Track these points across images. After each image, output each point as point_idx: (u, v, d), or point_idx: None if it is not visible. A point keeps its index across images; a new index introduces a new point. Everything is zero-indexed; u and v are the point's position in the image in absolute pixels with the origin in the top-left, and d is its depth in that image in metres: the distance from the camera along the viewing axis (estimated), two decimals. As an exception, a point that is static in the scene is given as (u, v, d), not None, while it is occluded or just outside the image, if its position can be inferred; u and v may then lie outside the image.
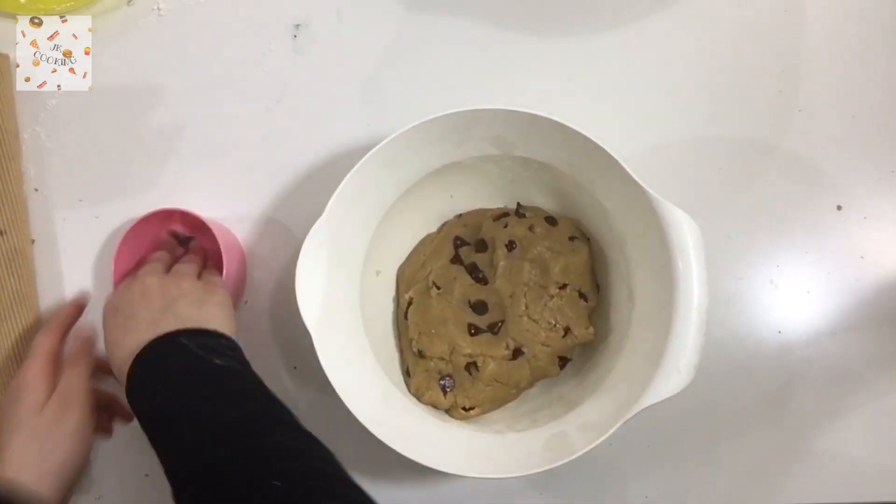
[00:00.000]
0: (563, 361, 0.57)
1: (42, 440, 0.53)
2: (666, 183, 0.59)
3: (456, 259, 0.59)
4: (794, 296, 0.60)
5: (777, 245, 0.61)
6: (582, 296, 0.56)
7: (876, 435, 0.59)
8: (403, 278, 0.60)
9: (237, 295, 0.62)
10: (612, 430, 0.46)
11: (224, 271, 0.57)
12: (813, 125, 0.62)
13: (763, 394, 0.60)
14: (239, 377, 0.49)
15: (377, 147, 0.49)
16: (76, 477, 0.54)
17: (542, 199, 0.60)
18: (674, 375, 0.45)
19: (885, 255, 0.60)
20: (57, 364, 0.57)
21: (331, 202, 0.49)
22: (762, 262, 0.61)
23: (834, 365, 0.60)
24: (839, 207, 0.61)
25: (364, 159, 0.49)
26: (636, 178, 0.47)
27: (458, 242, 0.59)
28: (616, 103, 0.63)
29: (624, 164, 0.47)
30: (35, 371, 0.55)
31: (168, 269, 0.57)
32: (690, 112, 0.63)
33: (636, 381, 0.48)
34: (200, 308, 0.52)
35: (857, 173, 0.61)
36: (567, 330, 0.55)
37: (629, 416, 0.46)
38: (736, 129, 0.62)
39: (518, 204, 0.59)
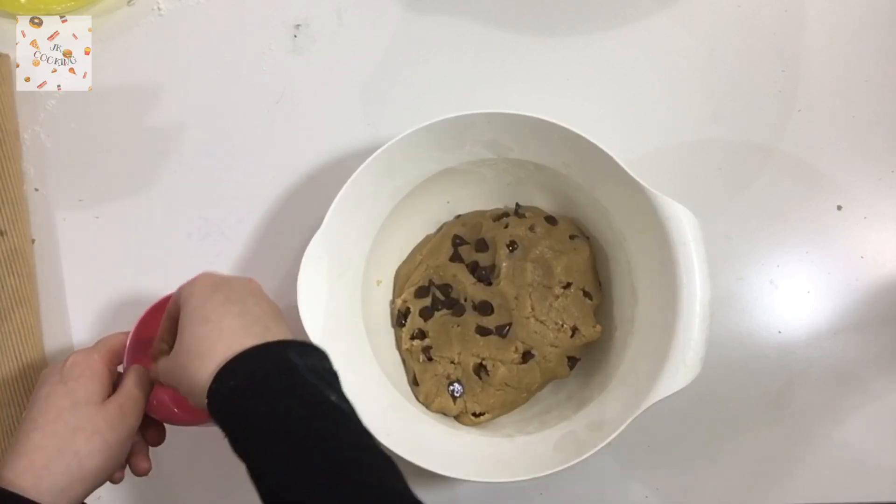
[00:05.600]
0: (573, 361, 0.57)
1: (92, 434, 0.45)
2: (666, 183, 0.59)
3: (455, 257, 0.58)
4: (794, 296, 0.60)
5: (777, 245, 0.61)
6: (586, 294, 0.56)
7: (876, 435, 0.59)
8: (399, 278, 0.60)
9: None
10: (622, 427, 0.46)
11: None
12: (813, 125, 0.62)
13: (763, 394, 0.60)
14: (353, 428, 0.41)
15: (371, 157, 0.49)
16: (98, 487, 0.47)
17: (539, 200, 0.60)
18: (681, 369, 0.45)
19: (885, 255, 0.60)
20: (116, 365, 0.51)
21: (328, 215, 0.49)
22: (762, 262, 0.61)
23: (834, 365, 0.60)
24: (839, 207, 0.61)
25: (359, 170, 0.49)
26: (632, 174, 0.47)
27: (458, 241, 0.59)
28: (616, 103, 0.63)
29: (619, 161, 0.47)
30: (102, 358, 0.49)
31: None
32: (690, 112, 0.63)
33: (643, 376, 0.48)
34: (286, 327, 0.46)
35: (857, 173, 0.61)
36: (575, 329, 0.55)
37: (639, 411, 0.46)
38: (736, 129, 0.62)
39: (517, 204, 0.59)
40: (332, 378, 0.43)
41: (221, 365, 0.41)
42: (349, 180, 0.49)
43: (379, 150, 0.49)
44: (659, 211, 0.47)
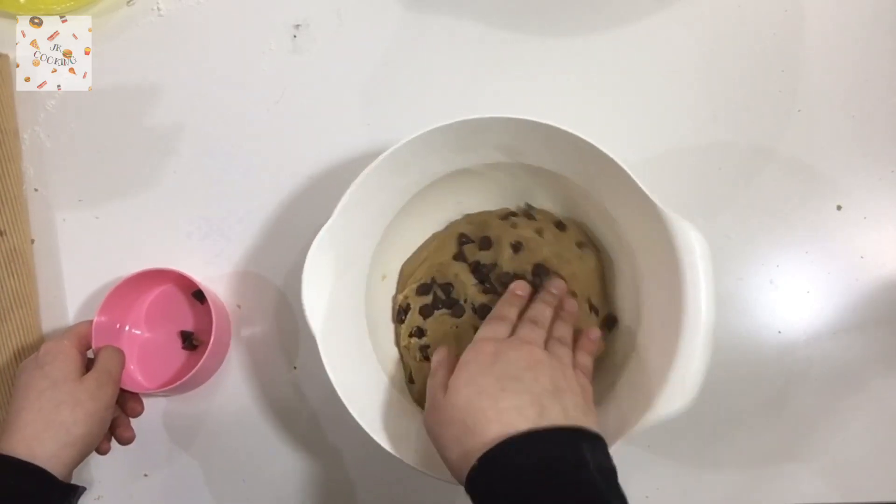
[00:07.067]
0: None
1: (74, 406, 0.51)
2: (666, 183, 0.59)
3: (459, 256, 0.58)
4: (794, 296, 0.60)
5: (777, 245, 0.61)
6: (592, 307, 0.55)
7: (876, 435, 0.59)
8: (403, 274, 0.60)
9: (217, 367, 0.63)
10: (612, 446, 0.45)
11: (209, 349, 0.58)
12: (812, 125, 0.62)
13: (763, 394, 0.60)
14: None
15: (385, 153, 0.49)
16: (85, 457, 0.53)
17: (550, 207, 0.59)
18: (678, 394, 0.44)
19: (885, 255, 0.60)
20: (86, 350, 0.57)
21: (338, 208, 0.49)
22: (762, 262, 0.61)
23: (834, 365, 0.60)
24: (839, 207, 0.61)
25: (372, 165, 0.49)
26: (647, 192, 0.46)
27: (463, 240, 0.58)
28: (615, 103, 0.63)
29: (635, 178, 0.46)
30: (72, 342, 0.55)
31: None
32: (690, 112, 0.63)
33: (639, 397, 0.47)
34: (585, 416, 0.44)
35: (857, 173, 0.61)
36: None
37: (630, 431, 0.45)
38: (736, 129, 0.62)
39: (527, 204, 0.59)
40: (613, 479, 0.41)
41: (497, 442, 0.40)
42: (361, 174, 0.49)
43: (393, 147, 0.49)
44: (670, 231, 0.46)
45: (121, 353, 0.57)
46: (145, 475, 0.62)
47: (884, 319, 0.60)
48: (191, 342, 0.62)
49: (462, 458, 0.41)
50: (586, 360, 0.51)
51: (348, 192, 0.49)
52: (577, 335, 0.53)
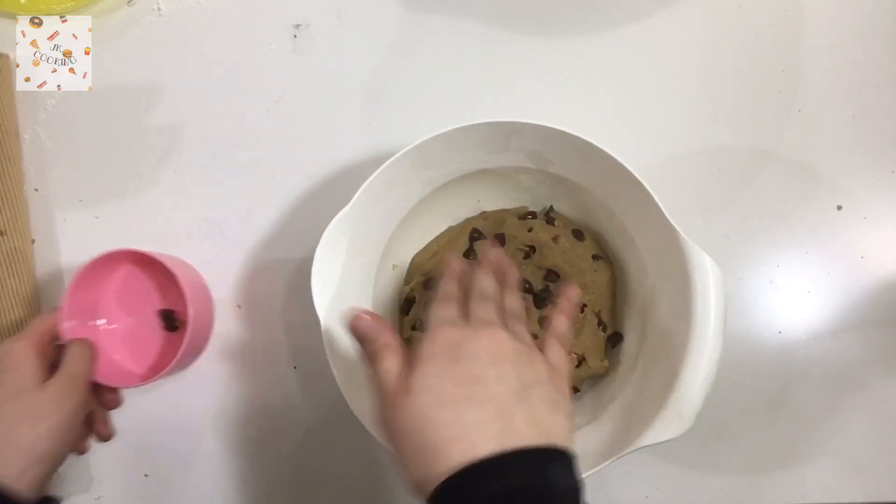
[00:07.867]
0: (571, 391, 0.56)
1: (35, 421, 0.47)
2: (665, 183, 0.59)
3: (469, 253, 0.57)
4: (794, 296, 0.60)
5: (777, 245, 0.61)
6: (600, 323, 0.55)
7: (876, 435, 0.59)
8: (414, 265, 0.59)
9: (205, 341, 0.61)
10: (604, 465, 0.45)
11: (189, 327, 0.55)
12: (812, 125, 0.62)
13: (763, 394, 0.60)
14: None
15: (414, 144, 0.48)
16: (56, 469, 0.49)
17: (571, 216, 0.59)
18: (675, 420, 0.45)
19: (885, 255, 0.60)
20: (51, 346, 0.53)
21: (358, 193, 0.49)
22: (762, 262, 0.61)
23: (834, 365, 0.60)
24: (839, 207, 0.61)
25: (399, 154, 0.49)
26: (671, 220, 0.46)
27: (475, 235, 0.58)
28: (613, 103, 0.63)
29: (661, 205, 0.47)
30: (26, 345, 0.50)
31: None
32: (690, 112, 0.63)
33: (636, 418, 0.47)
34: (554, 414, 0.39)
35: (857, 173, 0.61)
36: (582, 360, 0.54)
37: (623, 453, 0.45)
38: (735, 129, 0.62)
39: (550, 207, 0.58)
40: (578, 499, 0.37)
41: (459, 469, 0.36)
42: (386, 163, 0.49)
43: (421, 140, 0.48)
44: (687, 259, 0.46)
45: (90, 350, 0.53)
46: (146, 475, 0.62)
47: (884, 319, 0.60)
48: (172, 321, 0.60)
49: (423, 479, 0.37)
50: (563, 325, 0.45)
51: (372, 176, 0.49)
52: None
